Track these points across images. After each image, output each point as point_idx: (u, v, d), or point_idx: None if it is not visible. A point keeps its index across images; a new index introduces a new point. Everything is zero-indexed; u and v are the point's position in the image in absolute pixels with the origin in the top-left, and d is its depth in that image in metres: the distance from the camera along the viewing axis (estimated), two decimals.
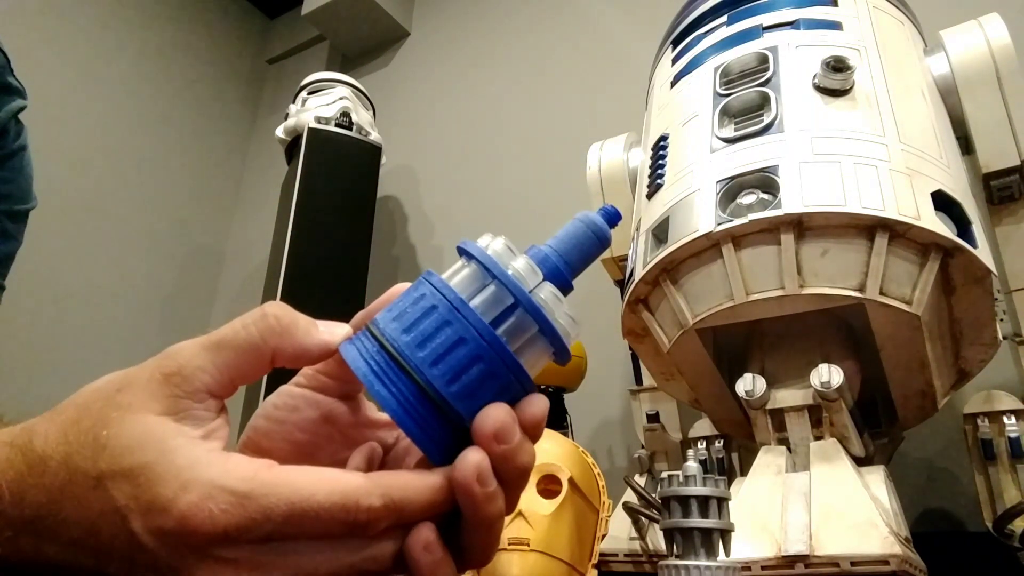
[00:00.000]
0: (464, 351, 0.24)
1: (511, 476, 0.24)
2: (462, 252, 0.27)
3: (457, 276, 0.26)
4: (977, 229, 0.63)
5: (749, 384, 0.63)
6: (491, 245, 0.27)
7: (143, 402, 0.23)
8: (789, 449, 0.63)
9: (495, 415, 0.24)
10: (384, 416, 0.30)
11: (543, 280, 0.27)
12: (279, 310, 0.26)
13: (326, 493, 0.22)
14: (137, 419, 0.23)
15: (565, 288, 0.27)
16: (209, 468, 0.22)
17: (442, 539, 0.24)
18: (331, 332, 0.27)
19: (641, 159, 0.90)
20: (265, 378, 1.47)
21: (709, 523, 0.41)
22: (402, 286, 0.27)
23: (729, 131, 0.72)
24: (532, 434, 0.25)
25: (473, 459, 0.23)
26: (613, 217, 0.28)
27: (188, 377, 0.24)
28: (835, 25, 0.76)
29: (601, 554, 0.70)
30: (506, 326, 0.25)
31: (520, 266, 0.26)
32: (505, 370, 0.24)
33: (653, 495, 0.75)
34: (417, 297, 0.25)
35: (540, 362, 0.26)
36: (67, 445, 0.23)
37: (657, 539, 0.78)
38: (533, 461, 0.25)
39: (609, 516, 0.73)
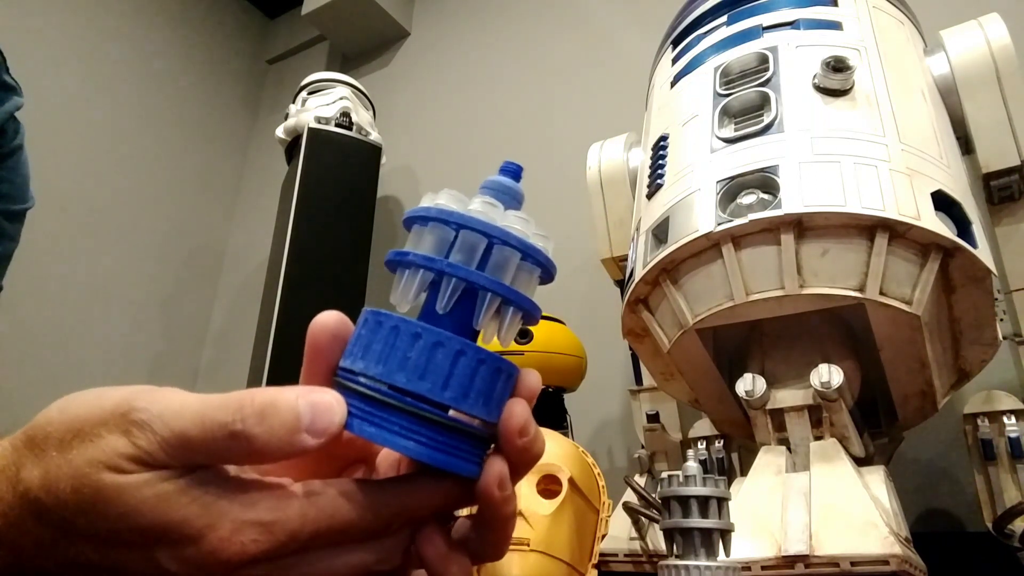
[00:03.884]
0: (466, 363, 0.24)
1: (525, 464, 0.26)
2: (413, 221, 0.27)
3: (422, 247, 0.26)
4: (977, 229, 0.63)
5: (749, 384, 0.63)
6: (436, 200, 0.27)
7: (116, 463, 0.22)
8: (789, 449, 0.63)
9: (518, 413, 0.25)
10: None
11: (505, 209, 0.27)
12: (253, 426, 0.22)
13: (348, 509, 0.23)
14: (118, 481, 0.21)
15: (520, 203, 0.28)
16: (232, 504, 0.22)
17: (449, 535, 0.26)
18: (318, 428, 0.23)
19: (641, 159, 0.90)
20: (265, 380, 1.47)
21: (709, 523, 0.41)
22: (324, 318, 0.26)
23: (729, 131, 0.72)
24: (532, 402, 0.27)
25: (496, 469, 0.25)
26: (516, 173, 0.28)
27: (156, 457, 0.22)
28: (835, 25, 0.76)
29: (601, 554, 0.70)
30: (490, 265, 0.25)
31: (477, 206, 0.26)
32: (506, 362, 0.25)
33: (653, 495, 0.75)
34: (390, 329, 0.25)
35: (531, 288, 0.27)
36: (50, 495, 0.22)
37: (657, 539, 0.78)
38: (543, 449, 0.26)
39: (609, 516, 0.73)
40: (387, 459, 0.30)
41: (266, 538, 0.22)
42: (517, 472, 0.26)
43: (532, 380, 0.27)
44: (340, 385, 0.25)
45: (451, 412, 0.25)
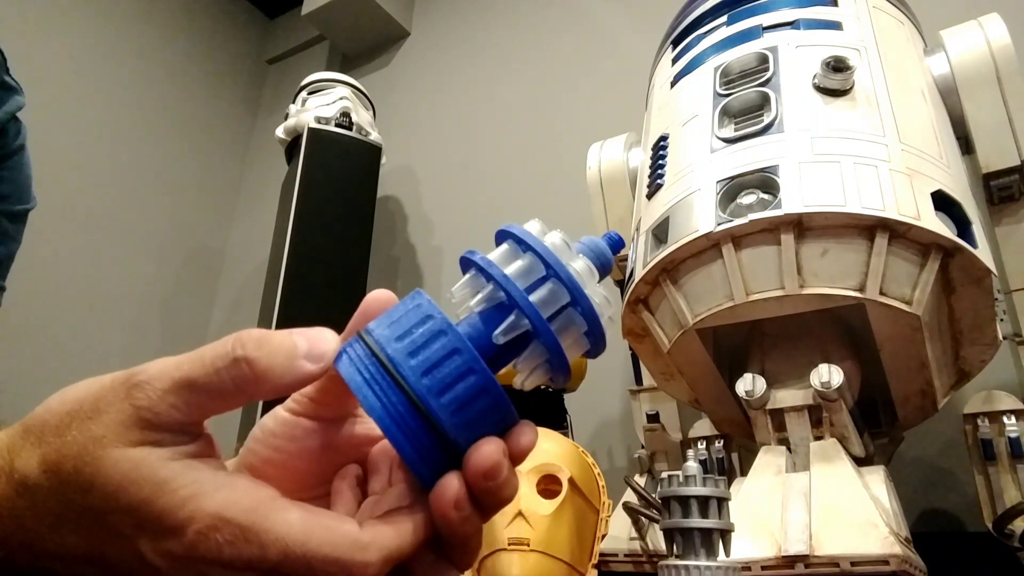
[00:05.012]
0: (458, 363, 0.24)
1: (491, 505, 0.25)
2: (498, 235, 0.28)
3: (495, 253, 0.27)
4: (977, 229, 0.63)
5: (749, 384, 0.63)
6: (527, 224, 0.27)
7: (118, 434, 0.22)
8: (789, 449, 0.63)
9: (488, 452, 0.24)
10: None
11: (578, 254, 0.27)
12: (253, 351, 0.23)
13: (317, 544, 0.22)
14: (116, 455, 0.22)
15: (601, 272, 0.28)
16: (213, 497, 0.22)
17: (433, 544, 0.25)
18: (315, 354, 0.25)
19: (641, 159, 0.90)
20: None
21: (709, 523, 0.41)
22: (379, 293, 0.27)
23: (729, 131, 0.72)
24: (516, 462, 0.25)
25: (451, 490, 0.24)
26: (617, 244, 0.29)
27: (160, 414, 0.23)
28: (835, 25, 0.76)
29: (601, 554, 0.70)
30: (538, 296, 0.25)
31: (552, 239, 0.27)
32: (498, 388, 0.24)
33: (653, 495, 0.75)
34: (413, 307, 0.25)
35: (570, 339, 0.26)
36: (50, 477, 0.22)
37: (657, 539, 0.78)
38: (515, 493, 0.25)
39: (609, 516, 0.73)
40: (382, 453, 0.30)
41: (240, 544, 0.22)
42: (483, 509, 0.25)
43: (524, 438, 0.25)
44: (358, 336, 0.26)
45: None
